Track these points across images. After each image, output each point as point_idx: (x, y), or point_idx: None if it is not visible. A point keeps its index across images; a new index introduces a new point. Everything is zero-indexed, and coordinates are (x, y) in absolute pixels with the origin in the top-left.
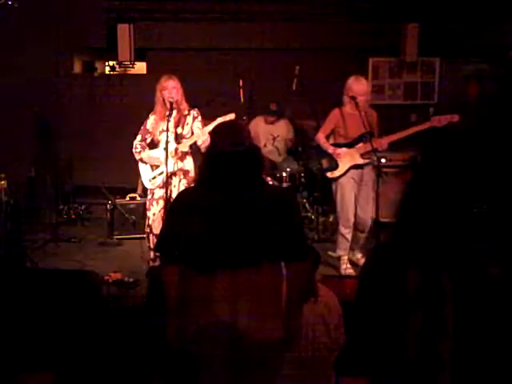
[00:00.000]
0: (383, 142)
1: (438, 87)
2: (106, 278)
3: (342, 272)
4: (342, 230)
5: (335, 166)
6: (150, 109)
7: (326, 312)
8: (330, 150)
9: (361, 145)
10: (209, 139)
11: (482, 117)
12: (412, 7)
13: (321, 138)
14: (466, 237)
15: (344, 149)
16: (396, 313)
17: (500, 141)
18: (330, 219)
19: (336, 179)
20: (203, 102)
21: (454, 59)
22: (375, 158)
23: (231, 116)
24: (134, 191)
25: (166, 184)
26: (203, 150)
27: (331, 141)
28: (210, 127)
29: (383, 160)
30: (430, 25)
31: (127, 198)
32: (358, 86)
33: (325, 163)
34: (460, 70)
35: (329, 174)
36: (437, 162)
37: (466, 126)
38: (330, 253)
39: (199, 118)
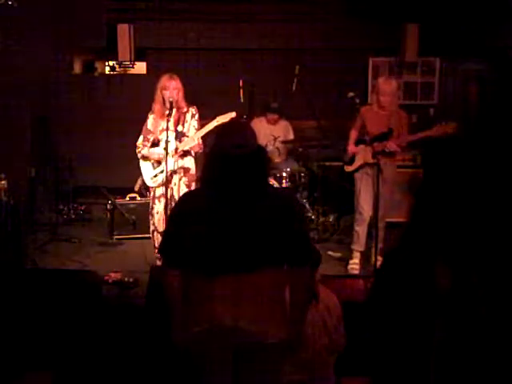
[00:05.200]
0: (393, 145)
1: (438, 87)
2: (106, 277)
3: (348, 267)
4: (354, 224)
5: (352, 161)
6: (149, 109)
7: (326, 313)
8: (348, 143)
9: (376, 144)
10: (197, 146)
11: (482, 117)
12: (412, 7)
13: (351, 133)
14: (495, 235)
15: (361, 146)
16: (422, 315)
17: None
18: (330, 219)
19: (353, 174)
20: (203, 102)
21: (454, 59)
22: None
23: (232, 115)
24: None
25: (166, 183)
26: (193, 154)
27: (360, 137)
28: (201, 133)
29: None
30: (430, 25)
31: (127, 198)
32: (383, 86)
33: (345, 157)
34: (460, 70)
35: (345, 168)
36: (444, 161)
37: (465, 126)
38: (329, 253)
39: (196, 116)
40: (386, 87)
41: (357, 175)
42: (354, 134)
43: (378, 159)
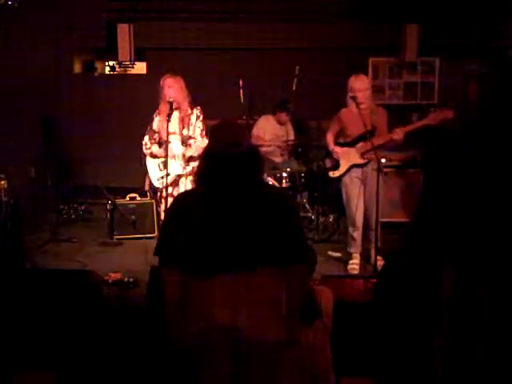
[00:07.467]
0: (399, 132)
1: (438, 87)
2: (106, 278)
3: (348, 268)
4: (349, 229)
5: (337, 166)
6: (149, 109)
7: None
8: (330, 148)
9: (361, 144)
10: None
11: (482, 117)
12: (412, 7)
13: (328, 137)
14: (498, 238)
15: (345, 148)
16: (425, 317)
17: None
18: (330, 219)
19: (340, 179)
20: (203, 103)
21: (454, 59)
22: (374, 157)
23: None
24: (134, 191)
25: (166, 184)
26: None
27: (340, 140)
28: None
29: (383, 160)
30: (430, 25)
31: (127, 198)
32: (356, 83)
33: (328, 163)
34: (460, 70)
35: (330, 174)
36: (443, 163)
37: (465, 127)
38: (329, 253)
39: (201, 117)
40: (358, 84)
41: (345, 180)
42: (331, 137)
43: (376, 156)
